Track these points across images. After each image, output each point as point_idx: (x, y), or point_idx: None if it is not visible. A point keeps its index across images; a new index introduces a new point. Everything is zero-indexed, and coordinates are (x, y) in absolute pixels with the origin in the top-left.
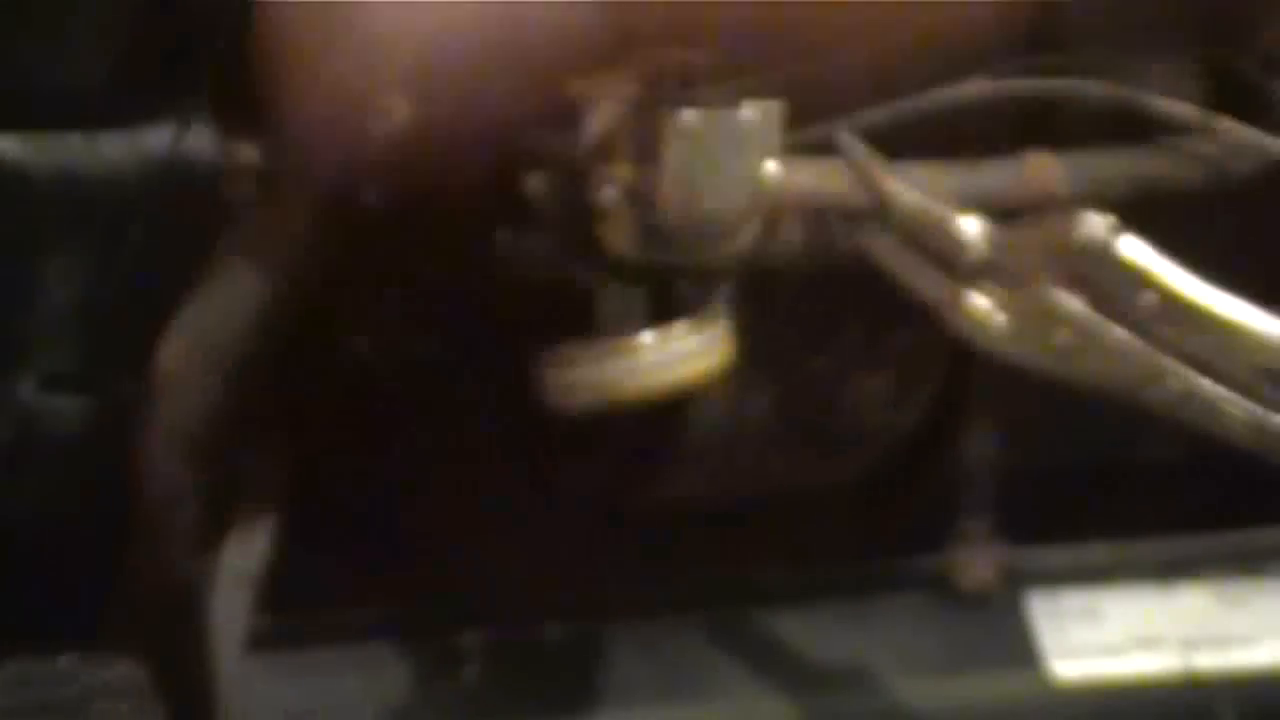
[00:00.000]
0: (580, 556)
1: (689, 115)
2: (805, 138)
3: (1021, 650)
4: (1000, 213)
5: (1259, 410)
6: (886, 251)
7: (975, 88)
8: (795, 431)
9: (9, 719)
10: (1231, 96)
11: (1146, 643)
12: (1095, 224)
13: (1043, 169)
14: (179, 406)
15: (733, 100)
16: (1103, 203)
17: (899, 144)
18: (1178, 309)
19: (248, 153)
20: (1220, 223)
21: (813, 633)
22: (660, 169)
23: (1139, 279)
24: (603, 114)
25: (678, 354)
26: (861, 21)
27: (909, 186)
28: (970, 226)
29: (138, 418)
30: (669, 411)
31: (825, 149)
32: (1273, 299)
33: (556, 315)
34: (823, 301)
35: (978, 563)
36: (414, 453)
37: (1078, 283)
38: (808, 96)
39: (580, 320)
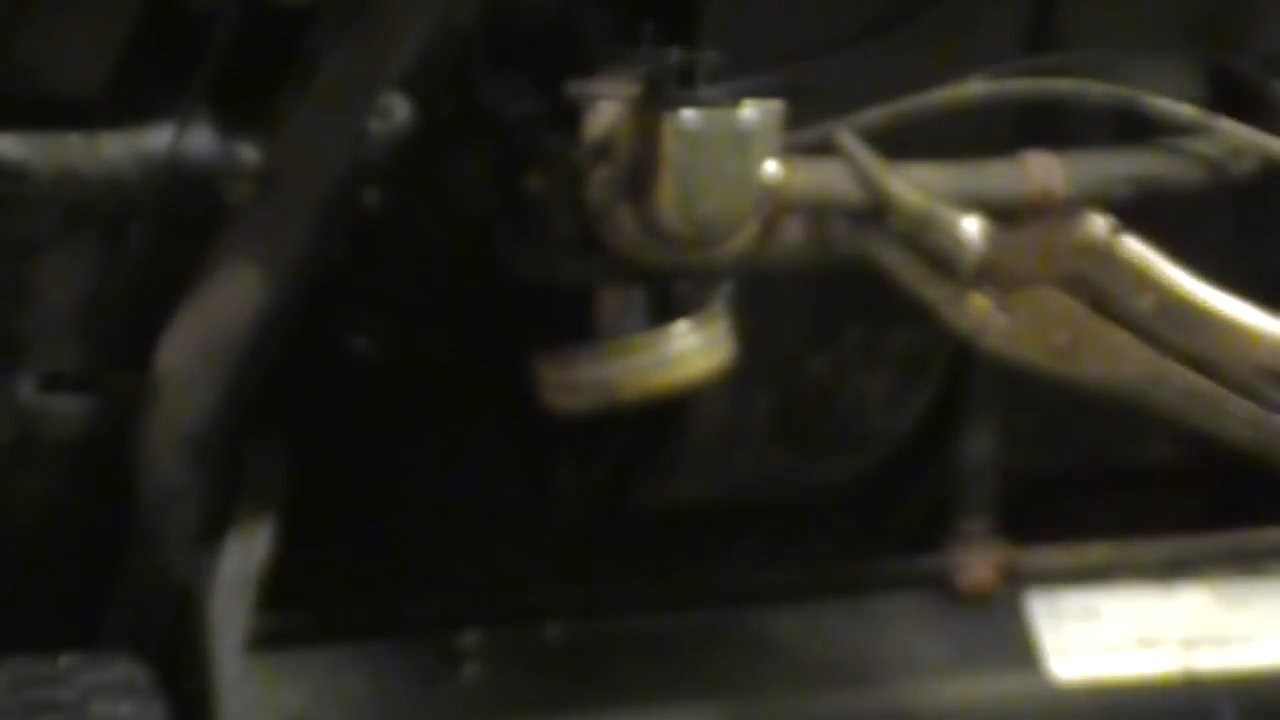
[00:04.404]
0: (580, 556)
1: (689, 115)
2: (805, 138)
3: (1021, 650)
4: (1000, 213)
5: (1259, 410)
6: (886, 251)
7: (975, 88)
8: (795, 431)
9: (9, 719)
10: (1231, 96)
11: (1146, 643)
12: (1095, 224)
13: (1043, 169)
14: (179, 406)
15: (733, 100)
16: (1103, 203)
17: (899, 144)
18: (1178, 309)
19: (248, 153)
20: (1220, 223)
21: (813, 633)
22: (660, 169)
23: (1139, 279)
24: (603, 114)
25: (678, 354)
26: None
27: (909, 186)
28: (970, 226)
29: (138, 418)
30: (669, 411)
31: (825, 149)
32: (1273, 299)
33: (556, 315)
34: (823, 301)
35: (978, 563)
36: (414, 452)
37: (1078, 283)
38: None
39: (580, 320)
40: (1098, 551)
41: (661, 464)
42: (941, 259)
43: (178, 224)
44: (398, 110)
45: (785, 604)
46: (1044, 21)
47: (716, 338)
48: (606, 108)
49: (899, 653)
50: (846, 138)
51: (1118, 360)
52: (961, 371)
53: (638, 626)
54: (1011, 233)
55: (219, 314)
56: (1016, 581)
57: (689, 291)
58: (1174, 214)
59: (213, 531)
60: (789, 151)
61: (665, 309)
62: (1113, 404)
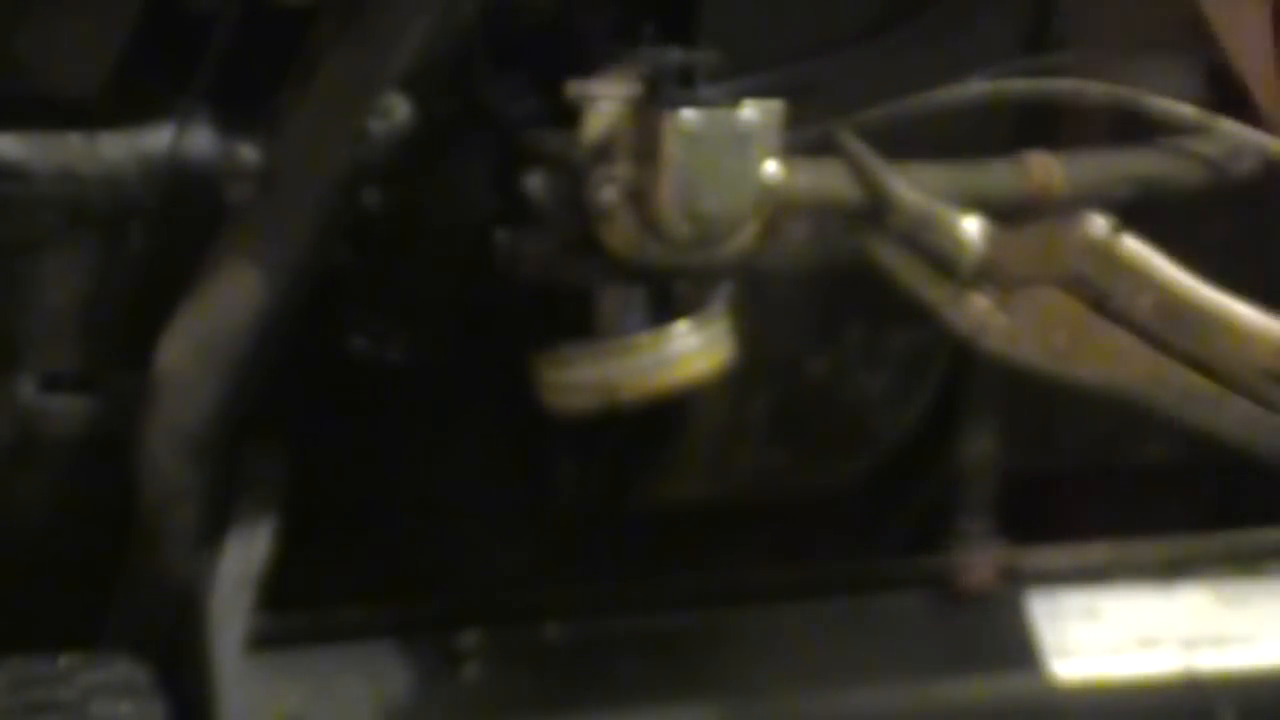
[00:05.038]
0: (580, 556)
1: (689, 115)
2: (805, 138)
3: (1021, 650)
4: (1000, 213)
5: (1259, 410)
6: (886, 251)
7: (975, 88)
8: (795, 431)
9: (9, 719)
10: (1232, 96)
11: (1146, 642)
12: (1095, 224)
13: (1043, 169)
14: (179, 406)
15: (733, 100)
16: (1103, 203)
17: (899, 144)
18: (1178, 309)
19: (248, 153)
20: (1220, 223)
21: (813, 633)
22: (660, 169)
23: (1139, 279)
24: (602, 114)
25: (678, 354)
26: None
27: (909, 186)
28: (970, 226)
29: (138, 418)
30: (669, 411)
31: (825, 149)
32: (1273, 299)
33: (556, 315)
34: (823, 301)
35: (978, 563)
36: (413, 452)
37: (1078, 283)
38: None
39: (580, 320)
40: (1098, 551)
41: (661, 464)
42: (941, 259)
43: (178, 224)
44: (398, 110)
45: (785, 604)
46: (1044, 21)
47: (716, 338)
48: (606, 108)
49: (899, 653)
50: (846, 138)
51: (1118, 360)
52: (961, 371)
53: (638, 626)
54: (1011, 233)
55: (219, 314)
56: (1016, 581)
57: (689, 291)
58: (1174, 214)
59: (213, 531)
60: (789, 151)
61: (665, 309)
62: (1113, 404)
